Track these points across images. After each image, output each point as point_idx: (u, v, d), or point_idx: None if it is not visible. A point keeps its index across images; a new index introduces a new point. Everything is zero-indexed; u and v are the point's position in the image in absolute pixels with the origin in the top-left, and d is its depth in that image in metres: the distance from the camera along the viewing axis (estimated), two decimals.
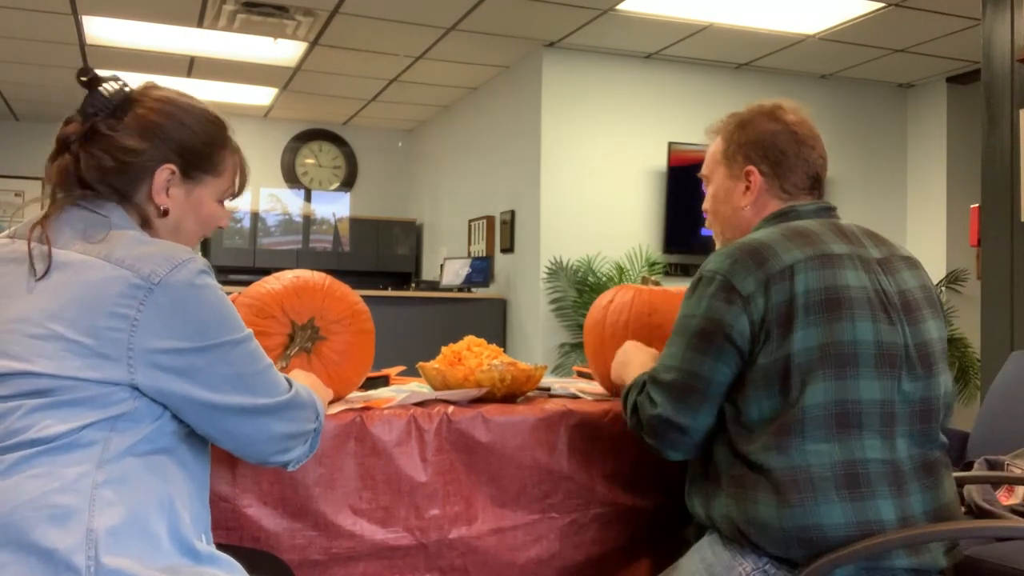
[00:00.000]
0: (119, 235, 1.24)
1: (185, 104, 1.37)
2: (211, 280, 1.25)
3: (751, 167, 1.69)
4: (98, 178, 1.28)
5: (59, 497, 1.12)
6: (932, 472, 1.53)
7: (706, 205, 1.80)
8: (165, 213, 1.33)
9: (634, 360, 1.79)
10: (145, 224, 1.32)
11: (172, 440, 1.25)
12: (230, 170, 1.43)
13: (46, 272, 1.19)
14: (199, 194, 1.38)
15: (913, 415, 1.53)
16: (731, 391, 1.55)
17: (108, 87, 1.31)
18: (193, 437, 1.30)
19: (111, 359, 1.16)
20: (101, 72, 1.31)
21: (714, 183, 1.77)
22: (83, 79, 1.30)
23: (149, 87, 1.37)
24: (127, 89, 1.33)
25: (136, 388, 1.19)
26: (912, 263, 1.65)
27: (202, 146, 1.36)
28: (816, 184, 1.70)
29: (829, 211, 1.68)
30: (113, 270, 1.19)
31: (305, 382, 1.59)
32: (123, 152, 1.29)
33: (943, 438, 1.59)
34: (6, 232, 1.32)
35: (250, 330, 1.30)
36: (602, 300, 2.12)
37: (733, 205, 1.72)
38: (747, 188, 1.70)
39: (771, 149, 1.68)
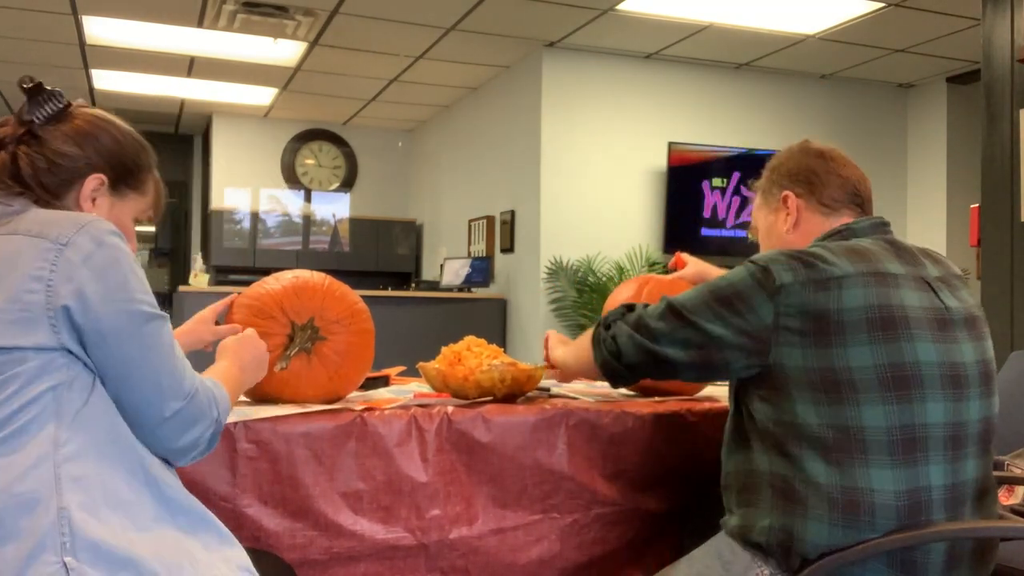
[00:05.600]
0: (23, 214, 1.28)
1: (118, 123, 1.44)
2: (120, 242, 1.26)
3: (786, 192, 1.73)
4: (31, 175, 1.32)
5: (22, 485, 1.12)
6: (985, 496, 1.52)
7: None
8: None
9: (569, 345, 1.94)
10: None
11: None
12: (152, 192, 1.49)
13: None
14: (121, 208, 1.42)
15: (979, 435, 1.51)
16: (762, 388, 1.52)
17: (48, 97, 1.36)
18: None
19: (36, 322, 1.18)
20: (47, 85, 1.37)
21: (760, 225, 1.82)
22: (26, 86, 1.35)
23: (83, 105, 1.43)
24: (64, 102, 1.39)
25: (69, 351, 1.20)
26: (964, 282, 1.65)
27: (131, 163, 1.42)
28: (859, 200, 1.71)
29: (884, 226, 1.68)
30: (23, 240, 1.22)
31: (236, 356, 1.55)
32: (57, 155, 1.34)
33: (993, 459, 1.58)
34: None
35: (165, 314, 1.29)
36: (626, 289, 2.12)
37: (778, 233, 1.75)
38: (787, 213, 1.73)
39: (801, 171, 1.73)
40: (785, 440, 1.49)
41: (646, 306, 1.68)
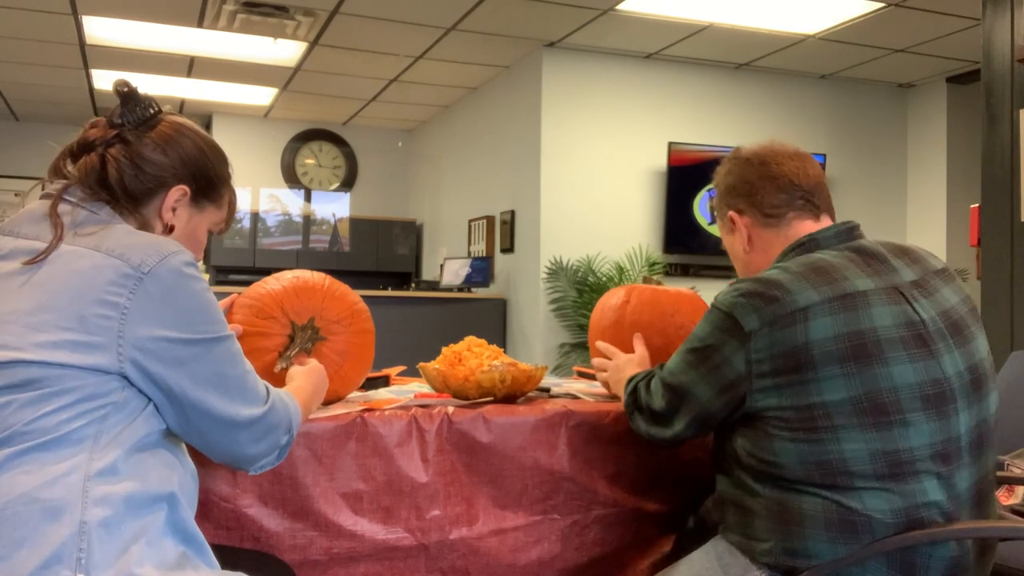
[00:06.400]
0: (108, 228, 1.28)
1: (203, 133, 1.45)
2: (197, 273, 1.28)
3: (730, 212, 1.70)
4: (117, 179, 1.32)
5: (50, 491, 1.12)
6: (983, 499, 1.49)
7: None
8: (170, 230, 1.39)
9: (627, 371, 1.87)
10: None
11: (161, 432, 1.27)
12: (227, 205, 1.50)
13: (38, 265, 1.22)
14: (199, 220, 1.44)
15: (972, 445, 1.47)
16: (740, 427, 1.52)
17: (140, 102, 1.38)
18: None
19: (101, 347, 1.18)
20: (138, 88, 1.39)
21: (727, 247, 1.78)
22: (123, 90, 1.37)
23: (171, 112, 1.44)
24: (154, 108, 1.40)
25: (125, 377, 1.20)
26: (948, 276, 1.58)
27: (213, 174, 1.44)
28: (802, 193, 1.63)
29: (851, 232, 1.60)
30: (103, 259, 1.22)
31: (307, 379, 1.61)
32: (144, 161, 1.35)
33: (995, 459, 1.54)
34: None
35: (233, 332, 1.32)
36: (610, 300, 2.06)
37: (739, 256, 1.72)
38: (739, 233, 1.69)
39: (737, 185, 1.69)
40: (769, 474, 1.48)
41: (648, 376, 1.70)
